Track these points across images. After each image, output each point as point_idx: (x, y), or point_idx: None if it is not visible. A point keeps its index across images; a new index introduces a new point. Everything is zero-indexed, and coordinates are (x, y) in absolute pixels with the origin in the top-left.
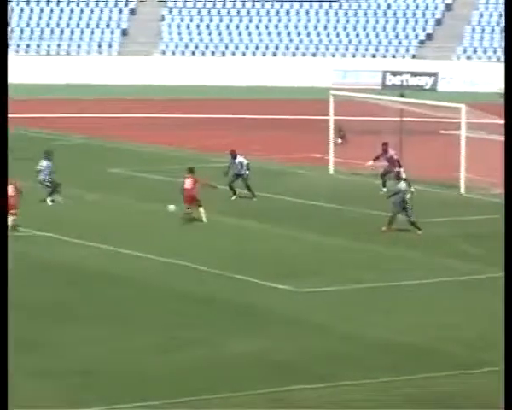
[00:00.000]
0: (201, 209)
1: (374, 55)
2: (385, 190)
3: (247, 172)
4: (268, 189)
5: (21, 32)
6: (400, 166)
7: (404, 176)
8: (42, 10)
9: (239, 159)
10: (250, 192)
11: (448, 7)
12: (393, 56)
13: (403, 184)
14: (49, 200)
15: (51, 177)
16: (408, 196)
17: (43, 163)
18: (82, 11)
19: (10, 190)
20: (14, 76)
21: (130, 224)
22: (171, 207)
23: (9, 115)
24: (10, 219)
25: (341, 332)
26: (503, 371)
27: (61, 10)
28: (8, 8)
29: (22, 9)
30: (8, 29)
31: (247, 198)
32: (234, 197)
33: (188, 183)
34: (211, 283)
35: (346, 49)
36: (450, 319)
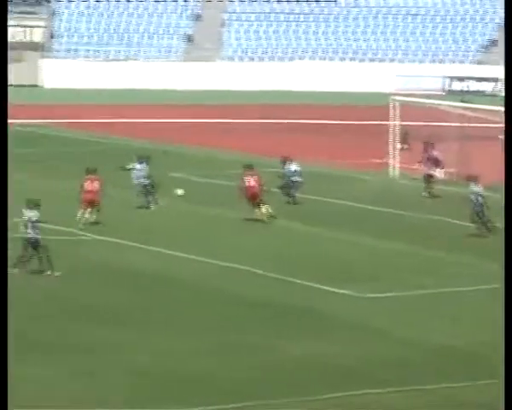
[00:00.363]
0: (263, 207)
1: (436, 61)
2: (424, 194)
3: (299, 179)
4: (330, 193)
5: (89, 38)
6: (443, 167)
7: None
8: (109, 16)
9: (292, 166)
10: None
11: None
12: (455, 62)
13: (475, 188)
14: (152, 206)
15: (149, 180)
16: (479, 198)
17: (138, 166)
18: (149, 17)
19: (96, 185)
20: (74, 81)
21: (190, 228)
22: (179, 191)
23: (74, 120)
24: (88, 213)
25: (403, 338)
26: (503, 374)
27: (129, 16)
28: (76, 13)
29: (84, 15)
30: (77, 35)
31: (303, 203)
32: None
33: (249, 181)
34: (270, 286)
35: (409, 55)
36: None
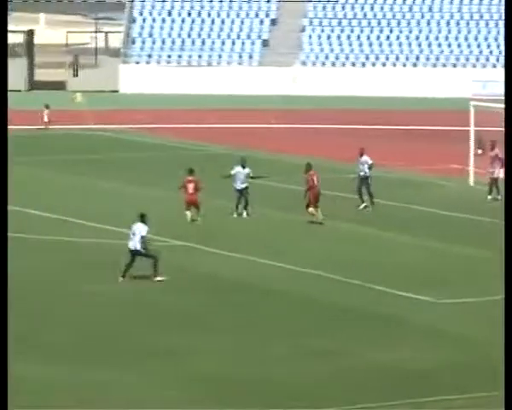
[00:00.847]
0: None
1: None
2: (489, 197)
3: (369, 172)
4: (407, 199)
5: (163, 42)
6: (502, 166)
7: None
8: (183, 21)
9: (364, 158)
10: (370, 199)
11: None
12: None
13: None
14: (244, 213)
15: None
16: None
17: (239, 170)
18: (223, 22)
19: (191, 188)
20: (155, 86)
21: (264, 233)
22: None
23: (149, 125)
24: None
25: (481, 344)
26: (503, 374)
27: (203, 21)
28: (155, 18)
29: (164, 20)
30: (150, 39)
31: (380, 208)
32: (362, 206)
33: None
34: (345, 292)
35: (487, 60)
36: None
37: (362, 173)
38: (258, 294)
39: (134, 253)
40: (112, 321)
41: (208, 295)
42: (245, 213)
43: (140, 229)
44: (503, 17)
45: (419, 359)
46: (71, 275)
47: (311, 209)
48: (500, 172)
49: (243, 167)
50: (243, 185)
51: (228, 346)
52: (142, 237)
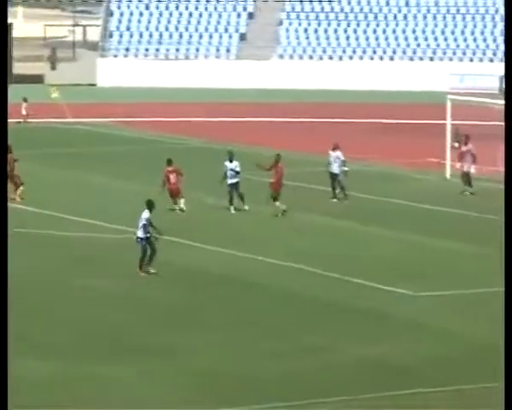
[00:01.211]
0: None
1: (491, 60)
2: (468, 191)
3: (339, 169)
4: (385, 193)
5: (140, 36)
6: (474, 162)
7: None
8: (161, 14)
9: (337, 153)
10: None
11: None
12: None
13: None
14: (246, 207)
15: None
16: None
17: (227, 164)
18: (201, 15)
19: (173, 178)
20: (133, 80)
21: (243, 226)
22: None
23: (127, 119)
24: (182, 202)
25: (460, 336)
26: (503, 373)
27: (180, 14)
28: (133, 12)
29: (141, 13)
30: (128, 33)
31: (357, 202)
32: (334, 200)
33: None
34: (325, 286)
35: (464, 54)
36: None
37: (333, 170)
38: (241, 288)
39: (139, 241)
40: (99, 317)
41: (192, 290)
42: (246, 207)
43: (142, 216)
44: (481, 11)
45: (399, 352)
46: (58, 270)
47: (278, 203)
48: (471, 168)
49: (230, 161)
50: (233, 180)
51: (214, 342)
52: (144, 225)
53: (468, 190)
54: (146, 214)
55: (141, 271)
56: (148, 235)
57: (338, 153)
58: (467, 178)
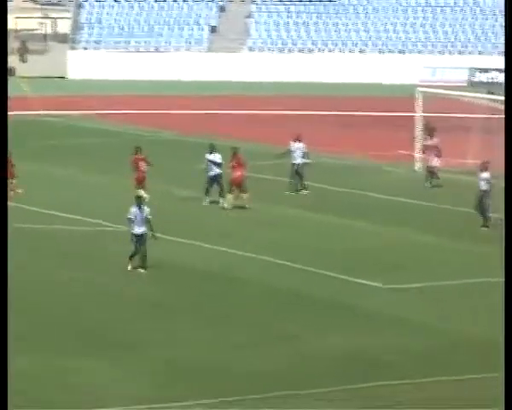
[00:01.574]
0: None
1: (461, 53)
2: (427, 185)
3: (301, 160)
4: (355, 185)
5: (111, 28)
6: (439, 156)
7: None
8: (131, 6)
9: (299, 145)
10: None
11: None
12: (481, 53)
13: (484, 175)
14: (207, 200)
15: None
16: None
17: (207, 157)
18: (171, 8)
19: (143, 166)
20: (103, 72)
21: (217, 220)
22: None
23: (97, 111)
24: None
25: (430, 329)
26: (503, 371)
27: (151, 7)
28: (103, 4)
29: (112, 6)
30: (98, 25)
31: (326, 194)
32: (301, 192)
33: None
34: (296, 278)
35: (434, 46)
36: None
37: (295, 161)
38: (212, 280)
39: (137, 237)
40: (76, 310)
41: (163, 283)
42: (221, 201)
43: (141, 212)
44: (451, 4)
45: (368, 344)
46: (32, 262)
47: (232, 195)
48: (436, 162)
49: (210, 153)
50: (212, 173)
51: (186, 335)
52: (143, 220)
53: (432, 182)
54: (132, 209)
55: (131, 264)
56: (145, 231)
57: (300, 144)
58: (431, 171)
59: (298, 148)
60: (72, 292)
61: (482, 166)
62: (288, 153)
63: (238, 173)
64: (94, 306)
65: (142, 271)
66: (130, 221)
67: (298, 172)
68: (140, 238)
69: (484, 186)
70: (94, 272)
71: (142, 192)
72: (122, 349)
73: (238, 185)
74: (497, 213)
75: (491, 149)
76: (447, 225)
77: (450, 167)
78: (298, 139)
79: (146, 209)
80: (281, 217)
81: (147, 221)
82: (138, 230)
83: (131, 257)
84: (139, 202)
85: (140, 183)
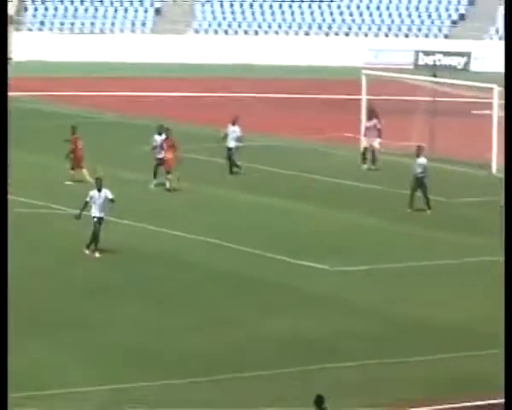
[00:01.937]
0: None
1: (406, 35)
2: (365, 166)
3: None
4: (299, 168)
5: (55, 10)
6: (379, 136)
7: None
8: None
9: (234, 128)
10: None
11: None
12: (426, 36)
13: (423, 160)
14: (154, 182)
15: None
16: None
17: (157, 138)
18: None
19: (80, 144)
20: (48, 54)
21: (160, 202)
22: None
23: (43, 93)
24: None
25: (377, 311)
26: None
27: None
28: None
29: None
30: (43, 7)
31: (268, 176)
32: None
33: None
34: (240, 260)
35: (379, 29)
36: (476, 300)
37: (228, 145)
38: (155, 262)
39: (96, 220)
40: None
41: (111, 265)
42: (168, 184)
43: (103, 195)
44: None
45: (313, 327)
46: None
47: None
48: (375, 142)
49: (159, 134)
50: (159, 155)
51: (130, 317)
52: (102, 203)
53: (371, 166)
54: (109, 193)
55: (88, 250)
56: (103, 215)
57: (235, 127)
58: (370, 153)
59: (233, 131)
60: (17, 276)
61: (418, 150)
62: (226, 136)
63: (169, 156)
64: (40, 289)
65: (97, 255)
66: (90, 204)
67: (231, 156)
68: (99, 221)
69: (418, 169)
70: (45, 254)
71: (84, 172)
72: (67, 331)
73: (169, 167)
74: (432, 196)
75: (434, 132)
76: (390, 207)
77: (393, 149)
78: (234, 122)
79: (106, 192)
80: (223, 199)
81: (109, 202)
82: (99, 213)
83: (92, 242)
84: (99, 184)
85: (79, 161)
